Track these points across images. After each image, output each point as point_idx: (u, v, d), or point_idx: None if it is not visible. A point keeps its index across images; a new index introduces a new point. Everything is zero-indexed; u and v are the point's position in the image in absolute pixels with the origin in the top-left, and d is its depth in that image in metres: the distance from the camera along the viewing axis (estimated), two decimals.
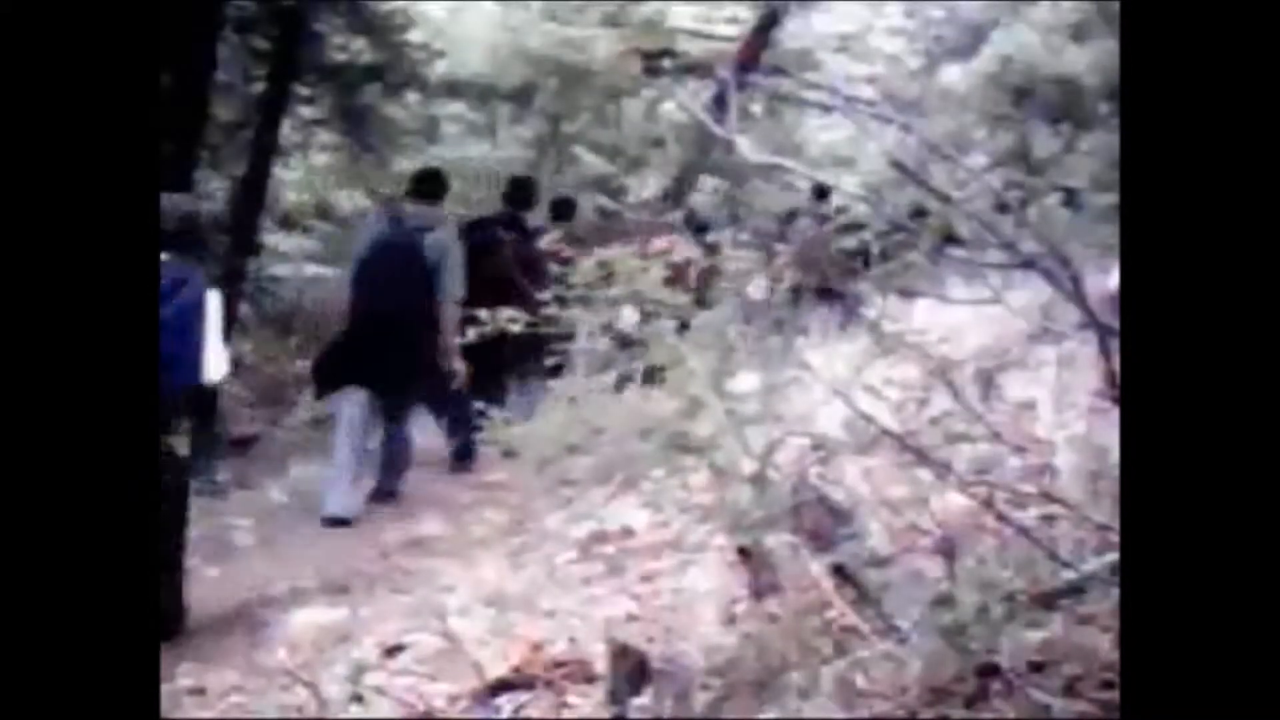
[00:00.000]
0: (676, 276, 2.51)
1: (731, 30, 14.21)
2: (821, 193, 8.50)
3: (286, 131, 9.97)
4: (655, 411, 2.20)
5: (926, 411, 2.58)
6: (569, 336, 2.74)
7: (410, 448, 5.79)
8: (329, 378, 5.62)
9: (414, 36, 10.82)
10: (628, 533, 3.36)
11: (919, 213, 2.06)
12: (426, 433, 6.30)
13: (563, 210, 7.66)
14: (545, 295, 2.47)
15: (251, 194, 9.19)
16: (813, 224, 7.09)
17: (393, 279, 5.48)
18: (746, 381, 2.28)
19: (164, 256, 3.53)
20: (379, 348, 5.40)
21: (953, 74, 14.90)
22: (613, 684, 2.09)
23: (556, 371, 4.30)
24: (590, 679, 2.28)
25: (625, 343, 2.38)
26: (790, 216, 8.54)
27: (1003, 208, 1.91)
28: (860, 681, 1.77)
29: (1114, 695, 1.54)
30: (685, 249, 5.01)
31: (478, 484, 5.54)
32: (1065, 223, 2.10)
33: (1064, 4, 12.26)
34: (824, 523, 2.09)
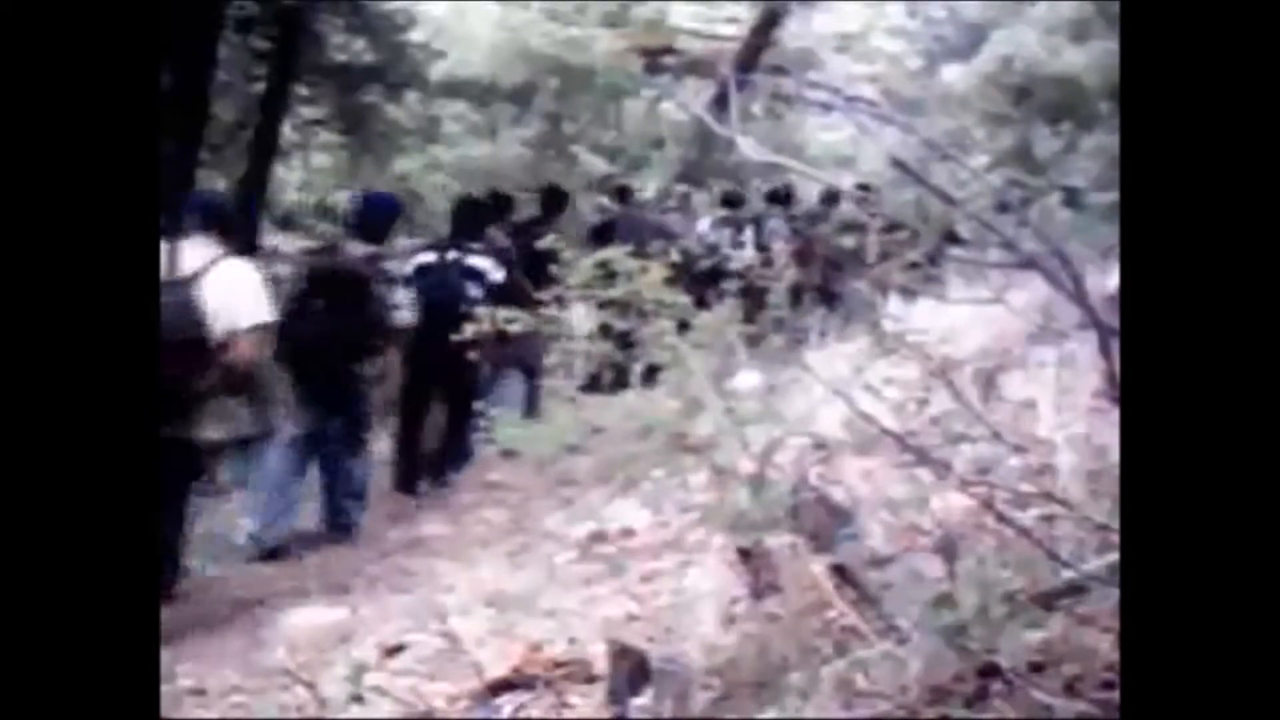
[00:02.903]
0: None
1: (732, 30, 14.23)
2: (829, 198, 8.50)
3: (286, 131, 9.98)
4: (655, 411, 2.19)
5: (926, 411, 2.58)
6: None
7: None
8: None
9: (414, 36, 10.84)
10: (628, 533, 3.35)
11: (919, 213, 2.06)
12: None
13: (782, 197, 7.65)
14: (544, 295, 2.46)
15: (251, 194, 9.20)
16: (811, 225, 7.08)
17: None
18: (746, 381, 2.28)
19: None
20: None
21: (953, 74, 14.91)
22: (613, 684, 2.09)
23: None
24: (590, 679, 2.27)
25: (625, 343, 2.38)
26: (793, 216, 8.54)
27: (1004, 207, 1.91)
28: (860, 681, 1.76)
29: (1114, 695, 1.53)
30: None
31: (478, 484, 5.53)
32: (1066, 222, 2.11)
33: (1064, 4, 12.25)
34: (824, 523, 2.09)
